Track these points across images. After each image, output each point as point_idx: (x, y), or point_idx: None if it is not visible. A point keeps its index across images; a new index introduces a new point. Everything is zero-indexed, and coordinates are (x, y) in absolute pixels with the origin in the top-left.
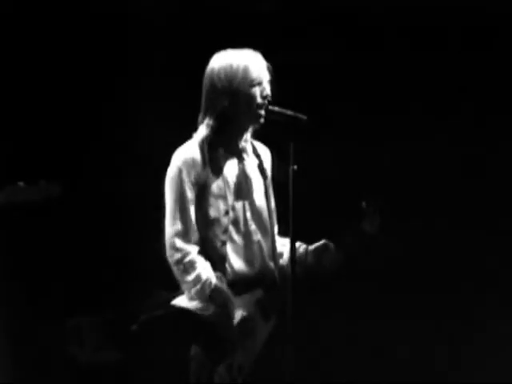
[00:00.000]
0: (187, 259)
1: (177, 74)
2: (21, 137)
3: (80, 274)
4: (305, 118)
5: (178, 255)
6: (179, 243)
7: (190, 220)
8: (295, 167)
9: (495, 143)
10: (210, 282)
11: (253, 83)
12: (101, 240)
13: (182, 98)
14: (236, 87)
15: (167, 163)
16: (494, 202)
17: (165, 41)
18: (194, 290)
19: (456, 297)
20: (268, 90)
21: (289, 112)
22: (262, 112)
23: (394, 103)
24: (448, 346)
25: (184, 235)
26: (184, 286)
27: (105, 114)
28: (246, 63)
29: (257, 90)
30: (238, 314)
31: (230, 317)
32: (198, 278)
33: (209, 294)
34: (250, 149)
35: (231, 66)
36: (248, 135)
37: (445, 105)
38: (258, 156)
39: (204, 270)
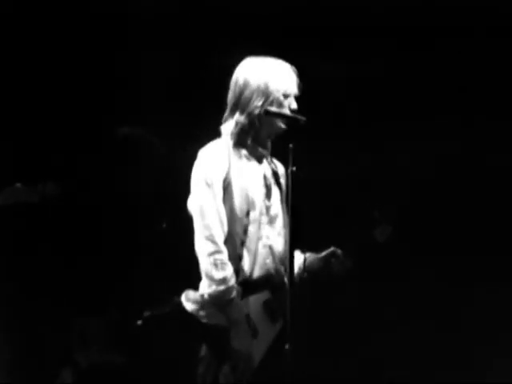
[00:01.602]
0: (220, 256)
1: (176, 74)
2: (19, 137)
3: (79, 274)
4: (304, 119)
5: (212, 247)
6: (216, 236)
7: (222, 214)
8: (294, 169)
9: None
10: (232, 292)
11: (285, 93)
12: (101, 240)
13: (182, 97)
14: (271, 91)
15: (166, 161)
16: (495, 202)
17: (164, 41)
18: (214, 288)
19: (457, 299)
20: (295, 105)
21: (288, 113)
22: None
23: (395, 103)
24: (452, 349)
25: (219, 228)
26: (207, 280)
27: (104, 114)
28: (284, 73)
29: (286, 101)
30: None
31: (241, 335)
32: (224, 280)
33: (225, 302)
34: (269, 158)
35: (270, 71)
36: (269, 143)
37: (450, 106)
38: (275, 168)
39: (233, 277)
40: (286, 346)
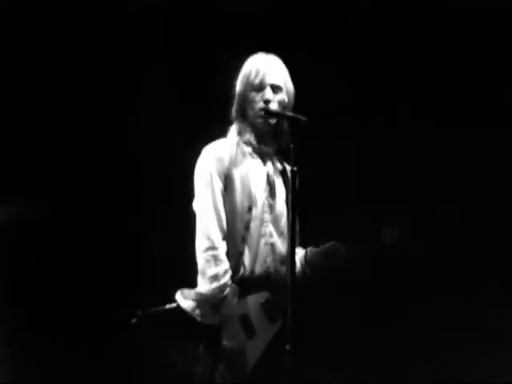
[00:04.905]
0: (215, 253)
1: (175, 74)
2: (21, 148)
3: (80, 283)
4: (305, 119)
5: (206, 243)
6: (211, 233)
7: (221, 210)
8: (295, 168)
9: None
10: (224, 290)
11: (253, 87)
12: (102, 255)
13: (181, 97)
14: (240, 92)
15: (166, 165)
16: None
17: (163, 40)
18: (207, 286)
19: (457, 298)
20: (268, 95)
21: (289, 113)
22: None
23: (394, 101)
24: (452, 349)
25: (216, 224)
26: (200, 277)
27: (105, 118)
28: (249, 68)
29: (257, 94)
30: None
31: (232, 336)
32: (216, 277)
33: (217, 300)
34: (275, 156)
35: (240, 72)
36: (272, 140)
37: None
38: (281, 168)
39: (226, 274)
40: (287, 347)
